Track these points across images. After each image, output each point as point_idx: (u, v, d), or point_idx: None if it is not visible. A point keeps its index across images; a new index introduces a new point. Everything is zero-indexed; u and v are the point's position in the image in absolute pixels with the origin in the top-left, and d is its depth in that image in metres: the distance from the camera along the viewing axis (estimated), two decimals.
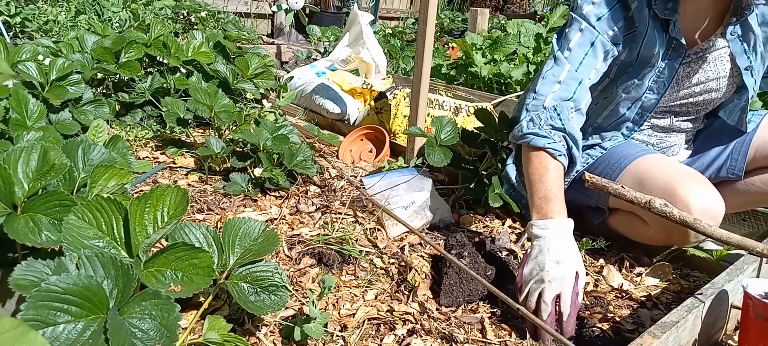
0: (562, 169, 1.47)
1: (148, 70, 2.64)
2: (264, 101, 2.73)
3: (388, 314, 1.32)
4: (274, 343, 1.19)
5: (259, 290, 1.12)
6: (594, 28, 1.53)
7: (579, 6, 1.56)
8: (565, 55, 1.55)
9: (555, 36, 1.63)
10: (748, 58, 1.61)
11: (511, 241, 1.73)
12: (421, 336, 1.24)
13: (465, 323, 1.31)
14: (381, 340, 1.23)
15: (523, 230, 1.81)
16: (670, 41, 1.56)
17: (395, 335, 1.25)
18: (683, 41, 1.55)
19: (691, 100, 1.68)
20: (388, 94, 2.74)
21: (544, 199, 1.38)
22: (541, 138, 1.47)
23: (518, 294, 1.30)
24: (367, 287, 1.42)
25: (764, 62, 1.65)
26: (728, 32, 1.57)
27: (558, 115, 1.49)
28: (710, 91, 1.66)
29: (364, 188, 1.90)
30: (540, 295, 1.26)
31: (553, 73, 1.54)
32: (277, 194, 1.92)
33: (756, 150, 1.70)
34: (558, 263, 1.26)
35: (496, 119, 2.02)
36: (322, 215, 1.77)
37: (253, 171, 1.91)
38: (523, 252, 1.66)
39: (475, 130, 2.05)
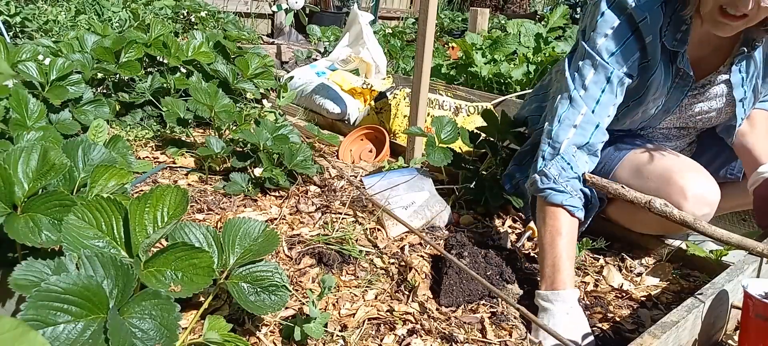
0: (577, 225, 1.43)
1: (148, 70, 2.64)
2: (264, 101, 2.73)
3: (388, 314, 1.32)
4: (274, 343, 1.19)
5: (259, 289, 1.12)
6: (607, 64, 1.47)
7: (592, 39, 1.49)
8: (581, 95, 1.48)
9: (566, 64, 1.56)
10: (744, 90, 1.60)
11: (511, 241, 1.73)
12: (421, 336, 1.24)
13: (465, 323, 1.31)
14: (381, 340, 1.23)
15: (523, 229, 1.81)
16: (677, 72, 1.53)
17: (395, 334, 1.25)
18: (691, 73, 1.52)
19: (689, 124, 1.70)
20: (388, 94, 2.74)
21: (553, 267, 1.35)
22: (558, 193, 1.42)
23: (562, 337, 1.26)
24: (367, 287, 1.42)
25: (756, 96, 1.65)
26: (735, 63, 1.55)
27: (570, 166, 1.44)
28: (709, 120, 1.68)
29: (364, 187, 1.90)
30: None
31: (569, 117, 1.47)
32: (277, 193, 1.92)
33: None
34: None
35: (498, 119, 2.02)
36: (322, 214, 1.77)
37: (253, 171, 1.91)
38: (524, 250, 1.67)
39: (476, 130, 2.05)
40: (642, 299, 1.49)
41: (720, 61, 1.58)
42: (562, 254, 1.36)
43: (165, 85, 2.51)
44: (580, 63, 1.51)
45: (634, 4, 1.45)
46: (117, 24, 4.58)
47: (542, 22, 5.16)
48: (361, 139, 2.53)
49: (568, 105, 1.49)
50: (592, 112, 1.47)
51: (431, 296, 1.40)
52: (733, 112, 1.63)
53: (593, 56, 1.48)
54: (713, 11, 1.38)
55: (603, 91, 1.47)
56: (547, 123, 1.54)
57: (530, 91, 2.52)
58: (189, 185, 1.95)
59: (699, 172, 1.54)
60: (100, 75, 2.45)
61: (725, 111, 1.65)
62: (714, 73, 1.58)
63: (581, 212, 1.43)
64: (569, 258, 1.37)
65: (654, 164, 1.59)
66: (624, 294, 1.51)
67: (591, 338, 1.27)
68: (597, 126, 1.47)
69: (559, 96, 1.53)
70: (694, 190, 1.47)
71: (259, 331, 1.21)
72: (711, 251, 1.65)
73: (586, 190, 1.46)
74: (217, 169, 2.06)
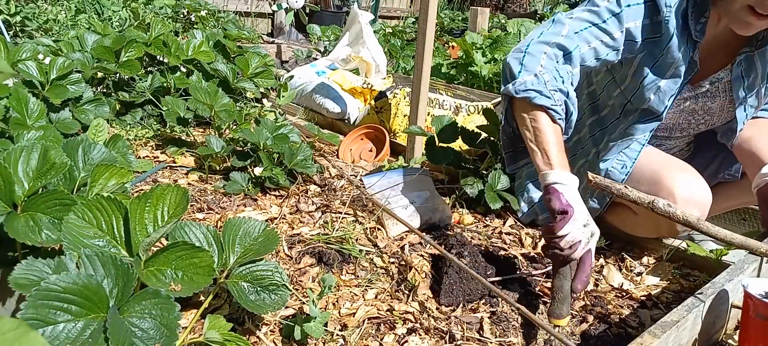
0: (560, 131, 1.43)
1: (149, 69, 2.64)
2: (264, 100, 2.73)
3: (388, 313, 1.32)
4: (274, 342, 1.19)
5: (259, 289, 1.12)
6: (602, 11, 1.47)
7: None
8: (563, 19, 1.49)
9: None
10: (745, 91, 1.60)
11: (511, 241, 1.73)
12: (421, 335, 1.25)
13: (465, 322, 1.31)
14: (381, 339, 1.23)
15: (520, 227, 1.81)
16: (690, 58, 1.53)
17: (395, 334, 1.25)
18: (697, 60, 1.52)
19: (690, 123, 1.70)
20: (388, 93, 2.74)
21: (556, 151, 1.36)
22: (544, 98, 1.39)
23: (560, 245, 1.26)
24: (367, 286, 1.42)
25: (760, 101, 1.65)
26: (736, 62, 1.55)
27: (561, 77, 1.43)
28: (709, 120, 1.68)
29: (364, 187, 1.90)
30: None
31: (543, 32, 1.48)
32: (277, 193, 1.92)
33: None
34: (589, 216, 1.31)
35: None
36: (322, 214, 1.77)
37: (253, 170, 1.91)
38: (524, 250, 1.67)
39: (476, 130, 2.05)
40: (642, 298, 1.49)
41: (722, 63, 1.58)
42: (556, 140, 1.38)
43: (165, 84, 2.51)
44: (581, 5, 1.53)
45: None
46: (117, 23, 4.58)
47: (542, 22, 5.15)
48: (361, 139, 2.53)
49: (550, 24, 1.50)
50: (575, 33, 1.46)
51: (431, 296, 1.40)
52: (733, 113, 1.63)
53: (594, 4, 1.49)
54: (741, 9, 1.38)
55: (586, 29, 1.47)
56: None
57: None
58: (189, 184, 1.95)
59: (689, 173, 1.54)
60: (100, 74, 2.45)
61: (727, 109, 1.65)
62: (715, 73, 1.58)
63: (563, 122, 1.43)
64: (562, 146, 1.39)
65: (644, 167, 1.59)
66: (624, 294, 1.51)
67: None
68: (573, 49, 1.44)
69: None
70: (683, 192, 1.47)
71: (260, 330, 1.21)
72: (711, 251, 1.65)
73: (572, 109, 1.44)
74: (217, 168, 2.06)
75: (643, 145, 1.64)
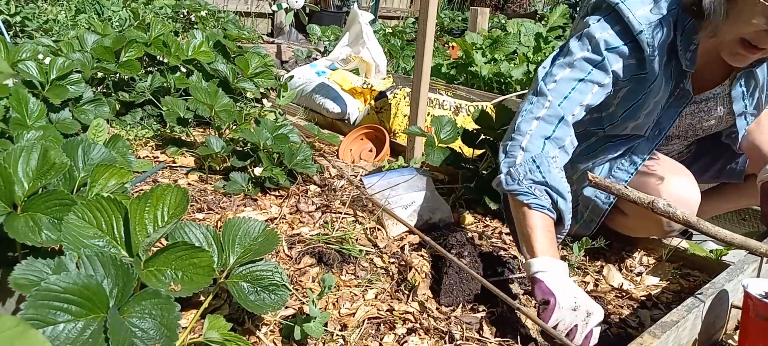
0: (551, 222, 1.35)
1: (148, 69, 2.64)
2: (264, 100, 2.73)
3: (388, 313, 1.32)
4: (274, 342, 1.19)
5: (259, 289, 1.12)
6: (586, 63, 1.42)
7: (575, 43, 1.45)
8: (549, 88, 1.43)
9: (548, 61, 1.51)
10: (745, 103, 1.60)
11: (511, 241, 1.73)
12: (421, 335, 1.25)
13: (465, 322, 1.31)
14: (381, 339, 1.23)
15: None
16: (675, 89, 1.50)
17: (395, 334, 1.25)
18: (690, 89, 1.50)
19: (688, 133, 1.69)
20: (388, 93, 2.74)
21: (541, 236, 1.30)
22: (523, 196, 1.34)
23: (556, 332, 1.18)
24: (367, 286, 1.42)
25: (760, 110, 1.64)
26: (736, 77, 1.54)
27: (538, 167, 1.36)
28: (709, 129, 1.68)
29: (364, 187, 1.90)
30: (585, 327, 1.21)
31: (532, 110, 1.42)
32: (277, 193, 1.92)
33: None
34: (588, 297, 1.23)
35: (494, 114, 2.02)
36: (322, 214, 1.76)
37: (253, 170, 1.91)
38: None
39: (476, 130, 2.05)
40: (642, 298, 1.49)
41: (721, 76, 1.57)
42: (546, 226, 1.31)
43: (165, 84, 2.51)
44: (558, 60, 1.47)
45: (630, 17, 1.41)
46: (117, 23, 4.58)
47: (542, 22, 5.17)
48: (361, 139, 2.53)
49: (533, 98, 1.44)
50: (559, 105, 1.41)
51: (431, 296, 1.40)
52: (733, 122, 1.63)
53: (572, 55, 1.44)
54: (734, 43, 1.37)
55: (573, 89, 1.42)
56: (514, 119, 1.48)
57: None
58: (189, 184, 1.95)
59: (679, 174, 1.54)
60: (100, 74, 2.45)
61: (726, 120, 1.65)
62: (714, 88, 1.57)
63: (552, 213, 1.34)
64: (553, 235, 1.32)
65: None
66: (624, 294, 1.51)
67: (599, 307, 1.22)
68: (561, 119, 1.40)
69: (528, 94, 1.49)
70: (674, 192, 1.47)
71: (259, 330, 1.21)
72: (711, 251, 1.65)
73: (556, 197, 1.35)
74: (217, 168, 2.06)
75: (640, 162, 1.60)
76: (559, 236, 1.38)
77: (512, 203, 1.40)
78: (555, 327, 1.18)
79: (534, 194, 1.33)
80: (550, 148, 1.39)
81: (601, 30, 1.43)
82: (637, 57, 1.44)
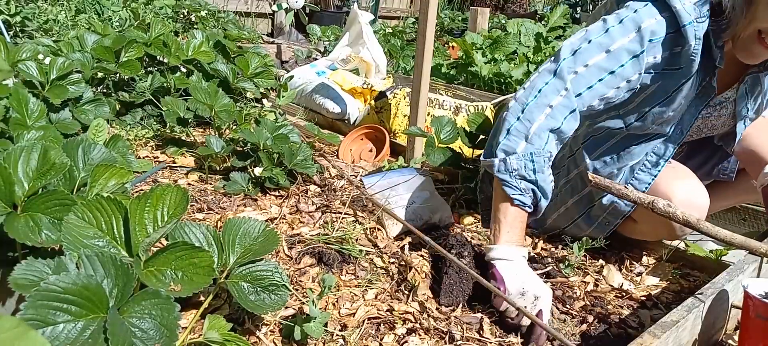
0: (526, 215, 1.41)
1: (149, 69, 2.64)
2: (264, 100, 2.73)
3: (388, 313, 1.32)
4: (274, 342, 1.19)
5: (259, 289, 1.12)
6: (620, 56, 1.37)
7: (614, 24, 1.39)
8: (575, 70, 1.38)
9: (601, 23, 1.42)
10: (747, 107, 1.60)
11: None
12: (421, 335, 1.25)
13: (465, 322, 1.31)
14: (381, 339, 1.23)
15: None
16: (699, 86, 1.47)
17: (395, 334, 1.25)
18: (715, 86, 1.47)
19: (693, 135, 1.68)
20: (388, 93, 2.74)
21: (508, 228, 1.38)
22: (510, 188, 1.37)
23: (505, 311, 1.30)
24: (367, 286, 1.42)
25: (759, 114, 1.65)
26: (743, 80, 1.54)
27: (533, 163, 1.37)
28: (711, 131, 1.68)
29: (364, 187, 1.90)
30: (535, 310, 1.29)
31: (548, 94, 1.38)
32: (277, 193, 1.92)
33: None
34: (539, 280, 1.32)
35: (493, 116, 2.02)
36: (322, 214, 1.76)
37: (253, 170, 1.91)
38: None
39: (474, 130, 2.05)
40: (642, 298, 1.49)
41: (732, 81, 1.57)
42: (516, 216, 1.38)
43: (165, 84, 2.51)
44: (596, 39, 1.39)
45: (679, 7, 1.37)
46: (117, 23, 4.58)
47: (542, 22, 5.16)
48: (361, 139, 2.53)
49: (552, 78, 1.39)
50: (576, 95, 1.38)
51: (431, 296, 1.40)
52: (733, 125, 1.63)
53: (611, 39, 1.38)
54: (751, 37, 1.37)
55: (601, 80, 1.38)
56: (521, 88, 1.44)
57: None
58: (189, 184, 1.95)
59: (686, 178, 1.54)
60: (100, 74, 2.45)
61: (727, 123, 1.65)
62: (723, 93, 1.57)
63: (529, 209, 1.40)
64: (522, 223, 1.39)
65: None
66: (624, 294, 1.51)
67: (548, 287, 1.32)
68: (572, 111, 1.38)
69: (548, 62, 1.43)
70: (680, 195, 1.47)
71: (259, 330, 1.21)
72: (711, 251, 1.65)
73: (539, 196, 1.39)
74: (217, 168, 2.06)
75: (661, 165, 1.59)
76: (529, 224, 1.46)
77: (496, 183, 1.42)
78: (505, 311, 1.29)
79: (520, 190, 1.38)
80: (552, 143, 1.40)
81: (648, 16, 1.38)
82: (672, 50, 1.40)
